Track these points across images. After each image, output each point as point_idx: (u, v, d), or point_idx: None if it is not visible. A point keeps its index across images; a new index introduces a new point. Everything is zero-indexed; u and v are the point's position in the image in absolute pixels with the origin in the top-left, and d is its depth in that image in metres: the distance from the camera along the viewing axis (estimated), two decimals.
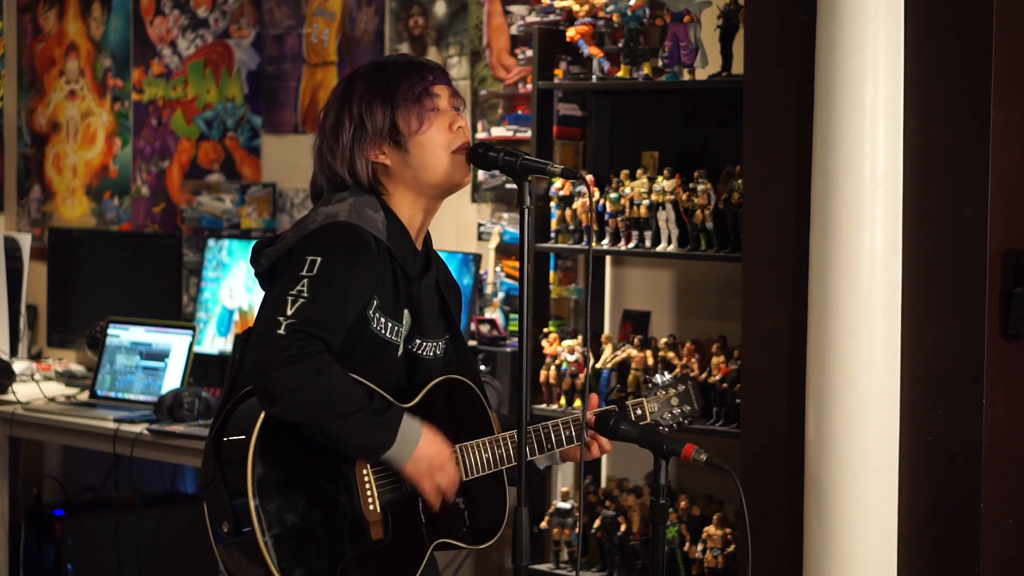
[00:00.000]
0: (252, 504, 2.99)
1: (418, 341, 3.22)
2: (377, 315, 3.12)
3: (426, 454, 3.08)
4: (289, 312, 2.99)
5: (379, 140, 3.17)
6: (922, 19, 3.96)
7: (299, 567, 3.01)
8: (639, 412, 3.36)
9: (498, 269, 5.41)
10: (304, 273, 3.03)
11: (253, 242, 5.86)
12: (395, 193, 3.21)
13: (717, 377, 4.57)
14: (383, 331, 3.14)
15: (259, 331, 3.03)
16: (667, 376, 3.44)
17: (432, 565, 3.27)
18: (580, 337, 4.92)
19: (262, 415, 3.02)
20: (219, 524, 3.05)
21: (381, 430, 3.03)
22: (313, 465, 3.06)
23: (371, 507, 3.08)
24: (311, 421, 3.00)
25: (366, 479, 3.09)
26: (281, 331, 2.98)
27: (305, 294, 3.01)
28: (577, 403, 4.75)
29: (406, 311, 3.19)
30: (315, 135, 3.27)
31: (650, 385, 3.42)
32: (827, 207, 3.98)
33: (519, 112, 5.39)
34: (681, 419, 3.43)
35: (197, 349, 5.73)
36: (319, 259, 3.04)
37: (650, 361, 4.72)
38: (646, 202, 4.70)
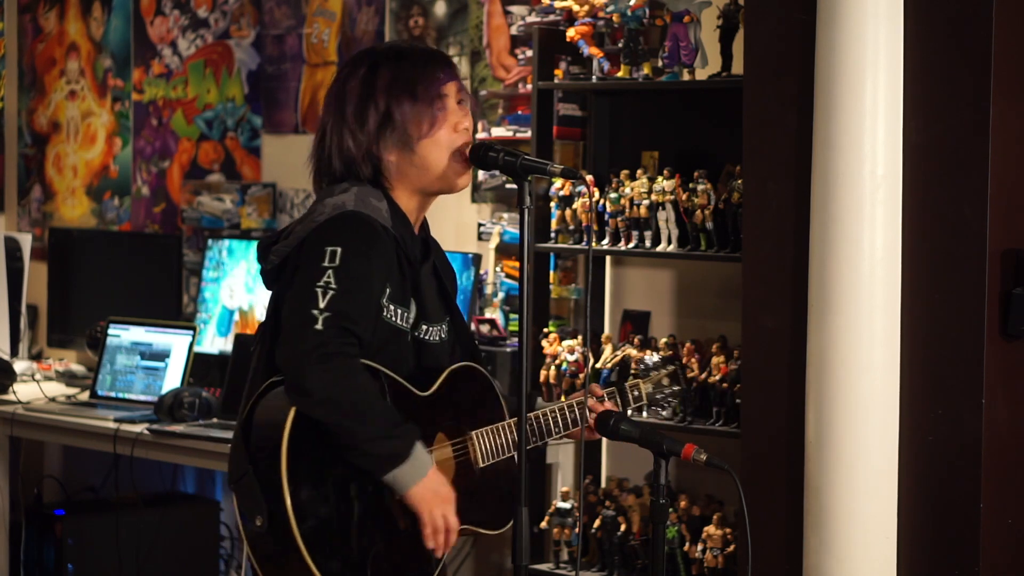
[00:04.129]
0: (287, 498, 2.98)
1: (424, 327, 3.22)
2: (389, 303, 3.13)
3: (434, 483, 3.07)
4: (322, 304, 2.99)
5: (397, 135, 3.16)
6: (922, 19, 3.96)
7: (333, 558, 3.02)
8: (635, 394, 3.44)
9: (498, 269, 5.41)
10: (327, 264, 3.03)
11: (254, 242, 5.91)
12: (397, 187, 3.21)
13: (717, 377, 4.57)
14: (394, 318, 3.14)
15: (293, 324, 3.01)
16: (656, 357, 3.48)
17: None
18: (580, 337, 4.91)
19: (294, 409, 3.01)
20: (251, 517, 3.04)
21: (398, 441, 3.03)
22: (344, 458, 3.05)
23: (397, 497, 3.08)
24: (335, 420, 2.99)
25: None
26: (319, 326, 2.97)
27: (333, 285, 3.01)
28: None
29: (412, 298, 3.20)
30: (326, 114, 3.23)
31: (643, 367, 3.44)
32: (827, 207, 3.98)
33: (519, 112, 5.39)
34: (671, 399, 3.50)
35: (197, 349, 5.73)
36: (339, 249, 3.04)
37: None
38: (646, 202, 4.70)
